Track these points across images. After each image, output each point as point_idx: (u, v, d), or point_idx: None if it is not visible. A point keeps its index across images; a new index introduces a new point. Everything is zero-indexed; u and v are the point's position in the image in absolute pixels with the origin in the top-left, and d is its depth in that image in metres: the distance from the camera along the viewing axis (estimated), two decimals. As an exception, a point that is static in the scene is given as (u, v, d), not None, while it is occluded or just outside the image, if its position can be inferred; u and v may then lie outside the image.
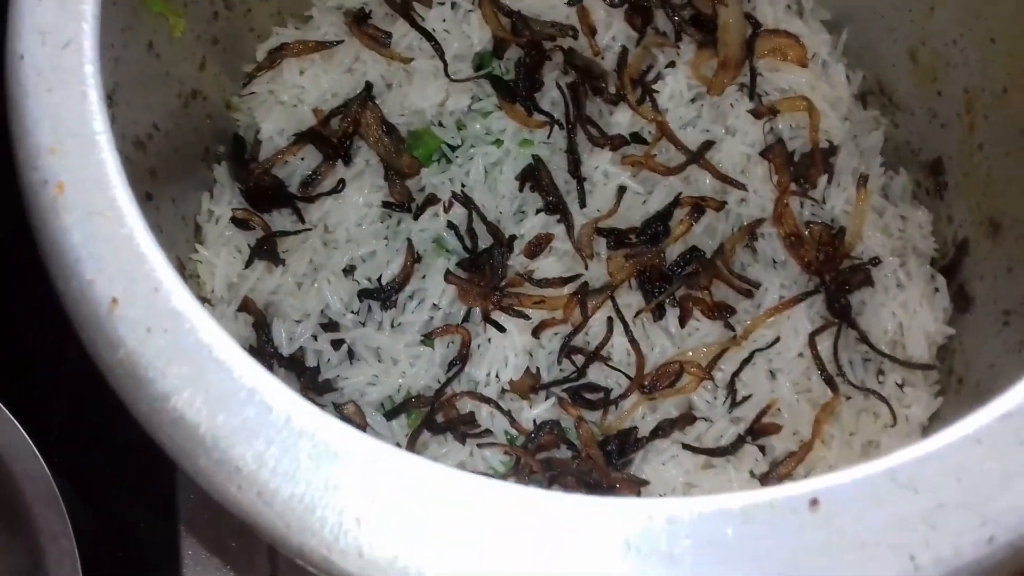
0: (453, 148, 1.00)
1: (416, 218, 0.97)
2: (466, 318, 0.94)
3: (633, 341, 0.92)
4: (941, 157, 1.01)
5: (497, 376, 0.92)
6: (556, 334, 0.94)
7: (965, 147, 0.98)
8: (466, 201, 0.96)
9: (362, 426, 0.90)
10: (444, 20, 1.03)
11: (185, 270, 0.94)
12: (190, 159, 0.96)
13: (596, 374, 0.93)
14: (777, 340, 0.94)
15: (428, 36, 1.01)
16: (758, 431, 0.92)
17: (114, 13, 0.70)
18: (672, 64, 1.02)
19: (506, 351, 0.93)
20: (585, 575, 0.53)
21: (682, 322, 0.95)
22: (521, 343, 0.93)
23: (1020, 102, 0.90)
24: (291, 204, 0.97)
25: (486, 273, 0.94)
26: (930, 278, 1.00)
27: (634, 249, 0.95)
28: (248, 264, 0.96)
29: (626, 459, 0.91)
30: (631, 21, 1.03)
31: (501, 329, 0.92)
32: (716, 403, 0.94)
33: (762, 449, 0.92)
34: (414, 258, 0.95)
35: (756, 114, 1.01)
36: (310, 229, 0.97)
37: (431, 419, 0.90)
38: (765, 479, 0.90)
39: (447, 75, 1.00)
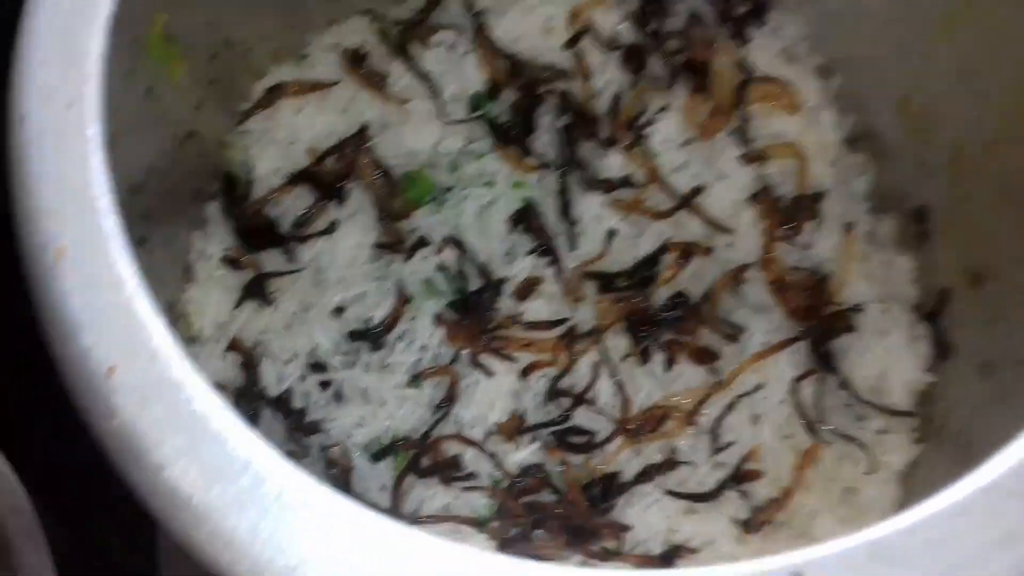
0: (446, 189, 1.00)
1: (407, 260, 0.97)
2: (454, 359, 0.94)
3: (620, 385, 0.93)
4: (927, 205, 1.02)
5: (484, 418, 0.93)
6: (543, 376, 0.94)
7: (951, 197, 0.98)
8: (458, 245, 0.96)
9: (348, 470, 0.90)
10: (441, 62, 1.03)
11: (174, 309, 0.94)
12: (183, 198, 0.96)
13: (582, 417, 0.94)
14: (760, 387, 0.95)
15: (424, 78, 1.01)
16: (741, 477, 0.93)
17: (116, 63, 0.69)
18: (664, 108, 1.03)
19: (492, 394, 0.93)
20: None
21: (668, 366, 0.95)
22: (508, 385, 0.93)
23: (1008, 157, 0.91)
24: (283, 244, 0.97)
25: (476, 315, 0.94)
26: (912, 325, 1.00)
27: (622, 294, 0.96)
28: (238, 304, 0.96)
29: (609, 504, 0.91)
30: (626, 66, 1.04)
31: (489, 373, 0.93)
32: (699, 448, 0.94)
33: (744, 495, 0.93)
34: (404, 299, 0.95)
35: (746, 159, 1.02)
36: (301, 269, 0.97)
37: (416, 462, 0.90)
38: (747, 526, 0.92)
39: (443, 116, 1.01)
